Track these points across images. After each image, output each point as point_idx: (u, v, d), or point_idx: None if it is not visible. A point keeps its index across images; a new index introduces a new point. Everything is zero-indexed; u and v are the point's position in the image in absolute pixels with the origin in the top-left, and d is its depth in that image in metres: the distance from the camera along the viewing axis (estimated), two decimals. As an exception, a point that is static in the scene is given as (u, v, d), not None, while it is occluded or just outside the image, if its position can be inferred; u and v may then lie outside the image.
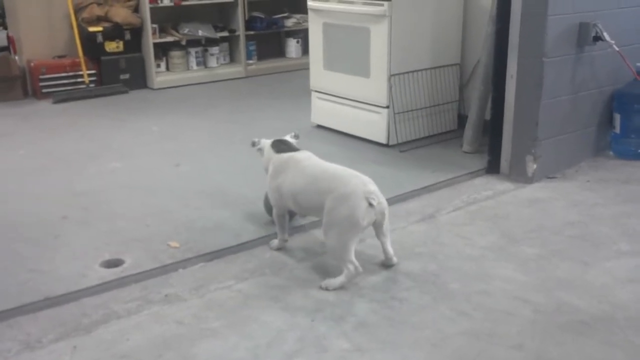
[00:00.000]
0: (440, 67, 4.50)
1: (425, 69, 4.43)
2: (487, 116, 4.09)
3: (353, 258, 2.70)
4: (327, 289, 2.70)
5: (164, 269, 2.89)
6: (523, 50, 3.69)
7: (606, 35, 3.77)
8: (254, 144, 3.22)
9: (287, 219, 3.08)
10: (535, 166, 3.78)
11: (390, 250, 2.88)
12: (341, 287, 2.71)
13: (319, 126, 4.91)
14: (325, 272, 2.85)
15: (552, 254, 2.98)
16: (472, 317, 2.50)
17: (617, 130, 4.15)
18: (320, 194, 2.77)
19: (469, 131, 4.30)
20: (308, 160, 2.98)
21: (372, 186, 2.74)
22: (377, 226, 2.79)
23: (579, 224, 3.28)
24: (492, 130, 3.94)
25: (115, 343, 2.38)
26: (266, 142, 3.17)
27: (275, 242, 3.08)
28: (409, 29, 4.28)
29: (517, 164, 3.84)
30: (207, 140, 4.76)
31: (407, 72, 4.33)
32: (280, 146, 3.10)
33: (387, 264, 2.89)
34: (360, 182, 2.73)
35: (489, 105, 4.01)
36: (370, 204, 2.66)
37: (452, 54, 4.58)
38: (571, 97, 3.88)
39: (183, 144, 4.67)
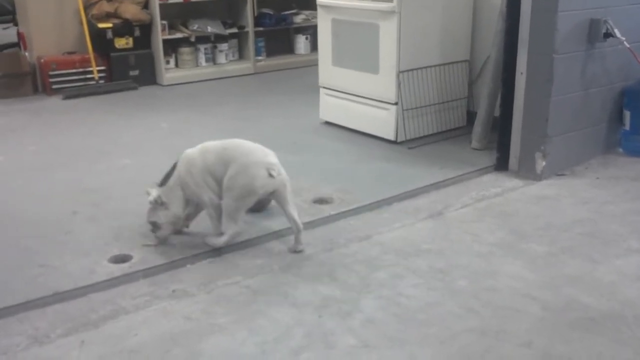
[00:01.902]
0: (449, 63, 4.49)
1: (435, 66, 4.41)
2: (497, 113, 4.07)
3: (241, 220, 2.93)
4: (212, 246, 2.96)
5: (172, 265, 2.90)
6: (533, 47, 3.67)
7: (617, 32, 3.74)
8: (157, 201, 3.01)
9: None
10: (544, 163, 3.76)
11: (296, 217, 2.99)
12: (224, 245, 2.95)
13: (328, 122, 4.91)
14: (333, 269, 2.85)
15: (561, 251, 2.97)
16: (480, 314, 2.49)
17: (627, 127, 4.13)
18: (225, 164, 2.93)
19: (478, 128, 4.29)
20: (207, 143, 3.09)
21: (273, 158, 2.93)
22: (279, 197, 2.95)
23: (588, 222, 3.26)
24: (501, 127, 3.92)
25: (123, 338, 2.39)
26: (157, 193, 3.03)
27: (222, 239, 3.00)
28: (418, 25, 4.26)
29: (526, 160, 3.83)
30: (216, 136, 4.72)
31: (416, 69, 4.31)
32: (166, 174, 3.07)
33: (296, 231, 2.99)
34: (262, 154, 2.93)
35: (499, 101, 3.99)
36: (270, 175, 2.85)
37: (462, 51, 4.56)
38: (581, 94, 3.86)
39: (192, 140, 4.62)
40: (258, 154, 2.93)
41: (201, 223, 3.17)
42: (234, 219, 2.93)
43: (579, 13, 3.68)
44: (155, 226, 3.03)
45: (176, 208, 3.02)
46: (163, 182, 3.04)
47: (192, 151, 3.07)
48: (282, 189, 2.93)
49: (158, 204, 2.99)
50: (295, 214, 2.99)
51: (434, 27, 4.37)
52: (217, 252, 3.00)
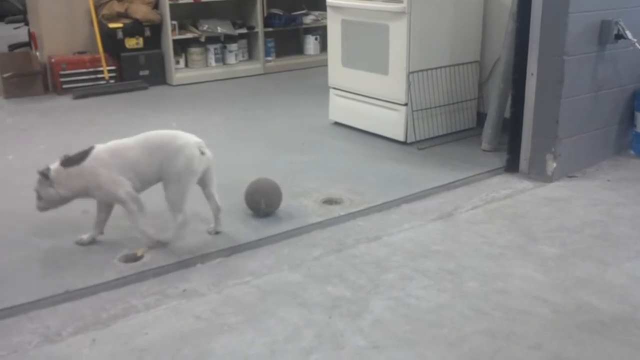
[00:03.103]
0: (459, 64, 4.48)
1: (445, 67, 4.41)
2: (507, 114, 4.06)
3: (186, 209, 2.98)
4: (162, 241, 3.00)
5: (183, 264, 2.91)
6: (544, 48, 3.66)
7: (628, 34, 3.73)
8: (44, 175, 2.94)
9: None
10: (555, 165, 3.75)
11: (218, 197, 3.13)
12: (175, 239, 3.01)
13: (337, 123, 4.91)
14: (342, 270, 2.85)
15: (572, 254, 2.96)
16: (490, 316, 2.49)
17: (639, 129, 4.11)
18: (152, 155, 2.97)
19: (488, 129, 4.28)
20: (122, 140, 3.10)
21: (198, 138, 3.02)
22: (207, 175, 3.06)
23: (599, 224, 3.25)
24: (511, 129, 3.91)
25: (133, 337, 2.40)
26: (54, 168, 2.97)
27: (170, 232, 3.05)
28: (428, 26, 4.26)
29: (537, 162, 3.81)
30: (225, 136, 4.78)
31: (426, 70, 4.31)
32: (72, 157, 3.00)
33: (216, 211, 3.13)
34: (188, 135, 3.02)
35: (509, 103, 3.98)
36: (202, 152, 2.96)
37: (472, 52, 4.55)
38: (592, 96, 3.84)
39: (201, 140, 4.67)
40: (185, 137, 3.01)
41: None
42: (179, 209, 2.98)
43: (590, 14, 3.66)
44: (38, 196, 2.99)
45: (63, 191, 2.95)
46: (66, 163, 2.96)
47: (103, 151, 3.00)
48: (211, 167, 3.06)
49: (43, 179, 2.92)
50: (216, 193, 3.12)
51: (444, 28, 4.36)
52: (226, 252, 3.00)
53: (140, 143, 3.03)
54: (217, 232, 3.16)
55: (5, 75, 5.95)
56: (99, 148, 3.02)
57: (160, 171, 2.98)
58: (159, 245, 3.01)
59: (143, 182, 3.04)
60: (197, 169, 2.97)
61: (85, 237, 3.11)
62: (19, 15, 7.68)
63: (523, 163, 3.89)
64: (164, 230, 3.07)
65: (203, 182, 3.10)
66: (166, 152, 2.96)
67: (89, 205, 3.50)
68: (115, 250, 3.01)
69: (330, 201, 3.53)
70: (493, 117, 4.24)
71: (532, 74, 3.73)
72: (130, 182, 2.98)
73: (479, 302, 2.58)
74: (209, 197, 3.15)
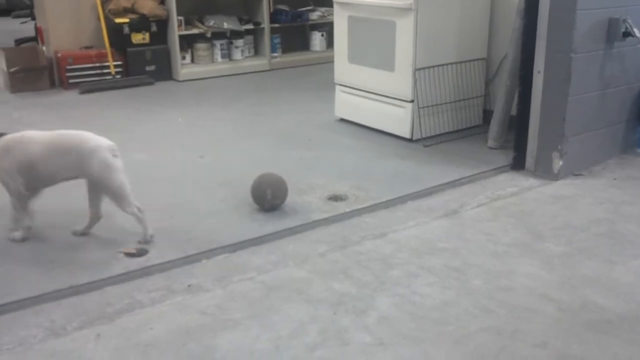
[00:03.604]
0: (466, 61, 4.47)
1: (451, 63, 4.39)
2: (513, 112, 4.05)
3: (133, 202, 2.99)
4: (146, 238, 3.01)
5: (188, 260, 2.91)
6: (551, 46, 3.64)
7: (636, 31, 3.71)
8: None
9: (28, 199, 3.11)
10: (561, 163, 3.74)
11: (102, 207, 3.11)
12: (147, 231, 3.01)
13: (343, 120, 4.90)
14: (347, 266, 2.85)
15: (578, 252, 2.95)
16: (495, 314, 2.48)
17: (646, 127, 4.09)
18: (62, 155, 2.96)
19: (494, 126, 4.27)
20: (29, 133, 3.08)
21: (110, 142, 2.99)
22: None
23: (605, 222, 3.24)
24: (518, 126, 3.90)
25: (138, 332, 2.40)
26: None
27: (18, 233, 3.07)
28: (435, 22, 4.24)
29: (543, 160, 3.80)
30: (231, 132, 4.78)
31: (433, 66, 4.30)
32: None
33: (94, 219, 3.11)
34: (99, 138, 3.00)
35: (515, 100, 3.97)
36: (115, 155, 2.95)
37: (479, 49, 4.54)
38: (599, 94, 3.83)
39: (207, 136, 4.69)
40: (96, 139, 3.00)
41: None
42: (126, 203, 3.00)
43: (597, 12, 3.64)
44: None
45: None
46: None
47: (11, 140, 3.02)
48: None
49: None
50: (102, 204, 3.10)
51: (451, 24, 4.35)
52: (231, 247, 3.00)
53: (47, 141, 3.02)
54: (82, 234, 3.11)
55: (11, 69, 5.96)
56: (7, 139, 3.04)
57: (76, 173, 3.00)
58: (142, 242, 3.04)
59: (45, 181, 3.06)
60: (116, 165, 2.96)
61: (17, 233, 3.10)
62: (26, 9, 7.70)
63: (529, 161, 3.88)
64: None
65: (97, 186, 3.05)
66: (78, 155, 2.95)
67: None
68: (121, 246, 3.01)
69: (335, 198, 3.53)
70: (499, 115, 4.23)
71: (539, 72, 3.72)
72: (23, 178, 3.00)
73: (484, 299, 2.58)
74: (93, 201, 3.09)
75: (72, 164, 2.96)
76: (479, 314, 2.48)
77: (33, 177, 3.02)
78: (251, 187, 3.39)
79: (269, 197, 3.32)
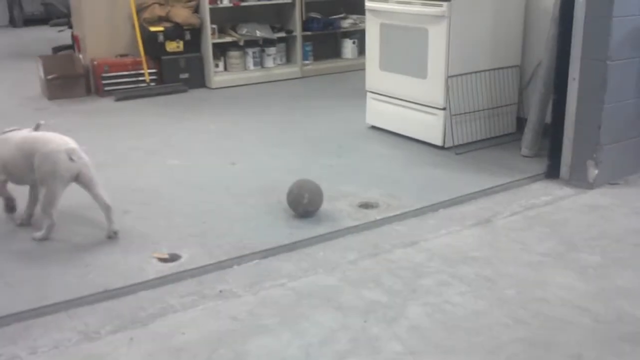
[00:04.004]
0: (499, 68, 4.43)
1: (484, 71, 4.36)
2: (548, 119, 4.00)
3: (54, 212, 3.11)
4: (34, 239, 3.14)
5: (219, 265, 2.93)
6: (586, 53, 3.60)
7: (674, 38, 3.64)
8: None
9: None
10: (596, 172, 3.68)
11: (104, 196, 3.18)
12: (44, 239, 3.13)
13: (374, 127, 4.90)
14: (378, 274, 2.84)
15: (614, 262, 2.90)
16: (528, 325, 2.45)
17: (685, 136, 4.00)
18: (26, 158, 3.13)
19: (528, 134, 4.22)
20: (11, 134, 3.29)
21: (73, 144, 3.13)
22: (84, 178, 3.14)
23: (642, 232, 3.18)
24: (552, 134, 3.85)
25: (171, 336, 2.43)
26: None
27: (39, 233, 3.18)
28: (468, 29, 4.22)
29: (578, 169, 3.75)
30: (262, 139, 4.81)
31: (465, 74, 4.27)
32: None
33: (105, 210, 3.17)
34: (61, 142, 3.13)
35: (550, 108, 3.92)
36: (71, 159, 3.05)
37: (512, 56, 4.50)
38: (635, 101, 3.76)
39: (239, 143, 4.72)
40: (57, 142, 3.12)
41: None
42: (48, 213, 3.12)
43: (634, 18, 3.59)
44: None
45: None
46: None
47: None
48: (85, 171, 3.13)
49: None
50: (102, 193, 3.19)
51: (484, 31, 4.32)
52: (263, 254, 3.02)
53: (18, 143, 3.20)
54: (115, 233, 3.19)
55: (49, 77, 6.08)
56: None
57: (33, 175, 3.14)
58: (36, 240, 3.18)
59: (17, 180, 3.31)
60: (64, 175, 3.07)
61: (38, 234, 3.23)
62: (63, 18, 7.83)
63: (564, 169, 3.83)
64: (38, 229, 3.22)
65: (84, 186, 3.18)
66: (37, 157, 3.09)
67: (129, 206, 3.57)
68: (154, 251, 3.05)
69: (366, 205, 3.52)
70: (533, 122, 4.18)
71: (574, 79, 3.67)
72: (4, 175, 3.28)
73: (517, 310, 2.54)
74: (95, 198, 3.20)
75: (34, 166, 3.12)
76: (512, 324, 2.45)
77: (10, 176, 3.27)
78: (289, 189, 3.39)
79: (305, 201, 3.33)
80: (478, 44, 4.31)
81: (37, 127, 3.37)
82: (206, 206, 3.56)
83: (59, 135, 3.20)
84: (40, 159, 3.08)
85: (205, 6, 6.37)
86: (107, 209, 3.18)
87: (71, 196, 3.64)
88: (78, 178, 3.13)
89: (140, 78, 6.30)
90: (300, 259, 2.99)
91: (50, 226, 3.15)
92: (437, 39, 4.21)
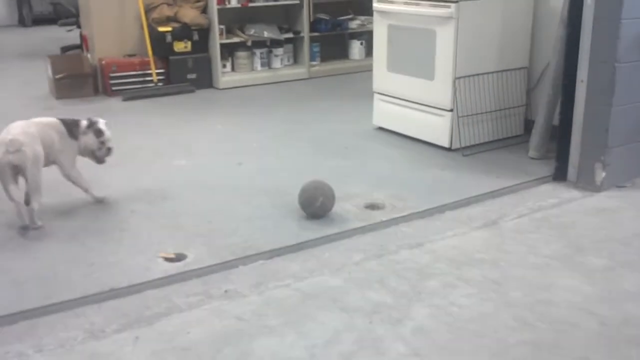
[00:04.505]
0: (507, 70, 4.42)
1: (492, 72, 4.35)
2: (555, 121, 3.98)
3: (8, 199, 3.29)
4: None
5: (225, 265, 2.93)
6: (594, 55, 3.58)
7: (684, 40, 3.62)
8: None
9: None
10: (604, 174, 3.66)
11: (31, 196, 3.30)
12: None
13: (381, 128, 4.89)
14: (383, 276, 2.83)
15: (621, 265, 2.88)
16: (535, 327, 2.44)
17: (693, 139, 3.98)
18: None
19: (535, 136, 4.21)
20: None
21: (10, 136, 3.23)
22: (22, 170, 3.26)
23: (649, 236, 3.16)
24: (560, 136, 3.84)
25: (176, 336, 2.43)
26: None
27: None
28: (476, 31, 4.21)
29: (586, 171, 3.73)
30: (269, 139, 4.81)
31: (473, 75, 4.26)
32: None
33: (24, 210, 3.30)
34: (5, 133, 3.26)
35: (557, 110, 3.91)
36: (8, 150, 3.19)
37: (520, 58, 4.49)
38: (644, 104, 3.74)
39: (246, 143, 4.73)
40: (6, 131, 3.27)
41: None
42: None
43: (643, 21, 3.57)
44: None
45: None
46: None
47: None
48: (22, 166, 3.24)
49: None
50: (33, 191, 3.31)
51: (492, 33, 4.31)
52: (268, 254, 3.02)
53: None
54: (23, 229, 3.29)
55: (57, 76, 6.11)
56: None
57: None
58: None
59: None
60: (3, 166, 3.22)
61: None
62: (72, 18, 7.87)
63: (571, 172, 3.81)
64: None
65: (22, 173, 3.30)
66: None
67: (135, 205, 3.58)
68: (160, 250, 3.05)
69: (372, 206, 3.52)
70: (541, 124, 4.17)
71: (582, 81, 3.66)
72: None
73: (524, 312, 2.54)
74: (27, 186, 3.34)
75: None
76: (518, 326, 2.45)
77: None
78: (304, 187, 3.39)
79: (317, 204, 3.33)
80: (486, 45, 4.30)
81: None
82: (212, 206, 3.57)
83: (20, 124, 3.33)
84: None
85: (213, 6, 6.39)
86: (25, 207, 3.31)
87: (75, 196, 3.66)
88: (17, 168, 3.26)
89: (148, 78, 6.32)
90: (306, 260, 2.99)
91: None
92: (444, 40, 4.20)
